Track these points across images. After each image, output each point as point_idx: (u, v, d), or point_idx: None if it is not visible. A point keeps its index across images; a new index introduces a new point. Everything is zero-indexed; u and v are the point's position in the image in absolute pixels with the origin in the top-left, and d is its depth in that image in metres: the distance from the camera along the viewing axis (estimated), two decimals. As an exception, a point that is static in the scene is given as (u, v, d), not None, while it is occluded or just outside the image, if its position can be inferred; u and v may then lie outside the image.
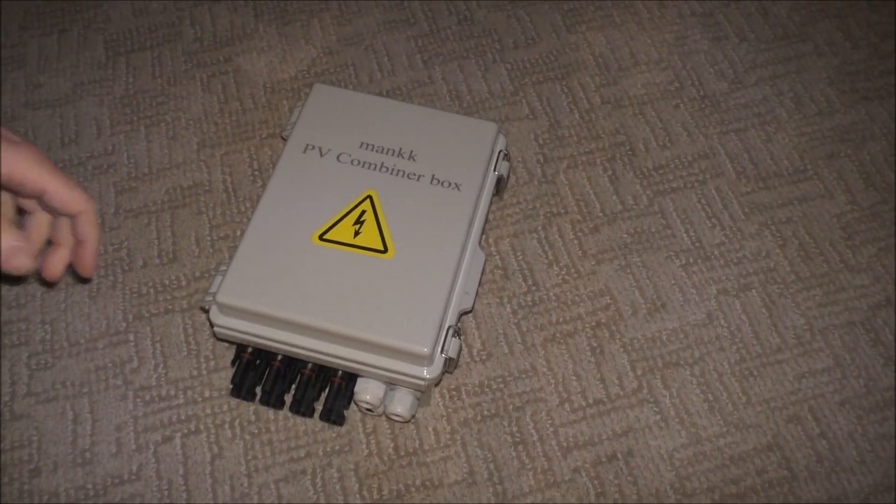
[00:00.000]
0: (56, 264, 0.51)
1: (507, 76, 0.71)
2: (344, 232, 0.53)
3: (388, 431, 0.56)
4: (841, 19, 0.76)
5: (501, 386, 0.57)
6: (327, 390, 0.54)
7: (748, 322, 0.60)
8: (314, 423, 0.56)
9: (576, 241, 0.63)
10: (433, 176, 0.56)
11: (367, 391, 0.52)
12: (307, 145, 0.57)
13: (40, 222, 0.51)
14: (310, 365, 0.54)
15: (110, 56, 0.72)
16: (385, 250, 0.53)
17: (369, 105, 0.60)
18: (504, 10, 0.76)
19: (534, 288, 0.61)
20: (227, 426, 0.55)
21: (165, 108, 0.69)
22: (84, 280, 0.58)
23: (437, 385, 0.57)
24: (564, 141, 0.68)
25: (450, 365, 0.52)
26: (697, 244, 0.63)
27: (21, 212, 0.51)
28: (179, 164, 0.66)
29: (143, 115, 0.69)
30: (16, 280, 0.60)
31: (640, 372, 0.58)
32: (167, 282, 0.61)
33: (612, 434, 0.56)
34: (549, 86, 0.71)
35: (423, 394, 0.54)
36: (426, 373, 0.50)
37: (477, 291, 0.55)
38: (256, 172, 0.66)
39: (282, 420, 0.56)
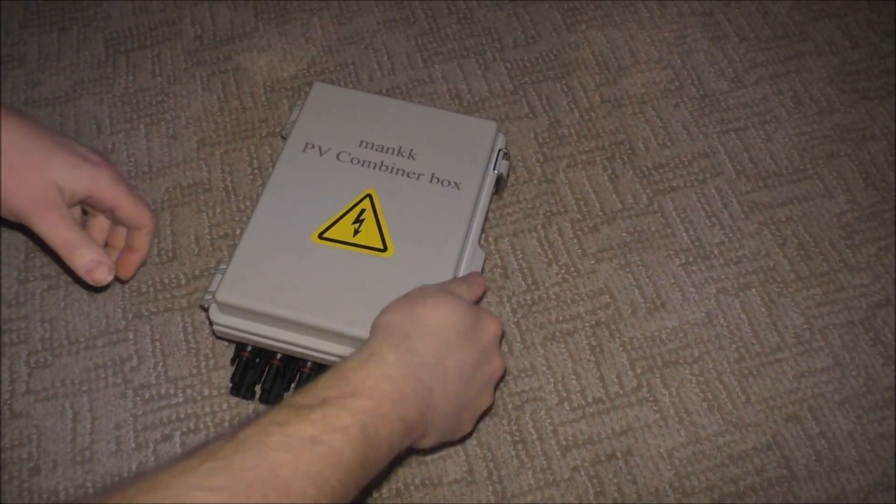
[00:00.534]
0: (129, 266, 0.58)
1: (506, 75, 0.71)
2: (343, 231, 0.53)
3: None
4: (841, 18, 0.76)
5: (501, 385, 0.57)
6: None
7: (747, 321, 0.60)
8: (313, 421, 0.55)
9: (575, 240, 0.63)
10: (433, 175, 0.56)
11: None
12: (307, 144, 0.57)
13: (101, 226, 0.58)
14: (309, 363, 0.54)
15: (110, 54, 0.72)
16: (385, 249, 0.53)
17: (369, 104, 0.60)
18: (504, 8, 0.76)
19: (533, 287, 0.61)
20: (226, 425, 0.55)
21: (165, 107, 0.69)
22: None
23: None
24: (564, 140, 0.68)
25: None
26: (697, 243, 0.63)
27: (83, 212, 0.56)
28: (179, 163, 0.66)
29: (142, 113, 0.69)
30: (97, 290, 0.60)
31: (639, 371, 0.58)
32: (167, 280, 0.61)
33: (612, 433, 0.56)
34: (549, 85, 0.71)
35: None
36: None
37: None
38: (256, 171, 0.66)
39: (281, 418, 0.56)
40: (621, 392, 0.57)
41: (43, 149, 0.50)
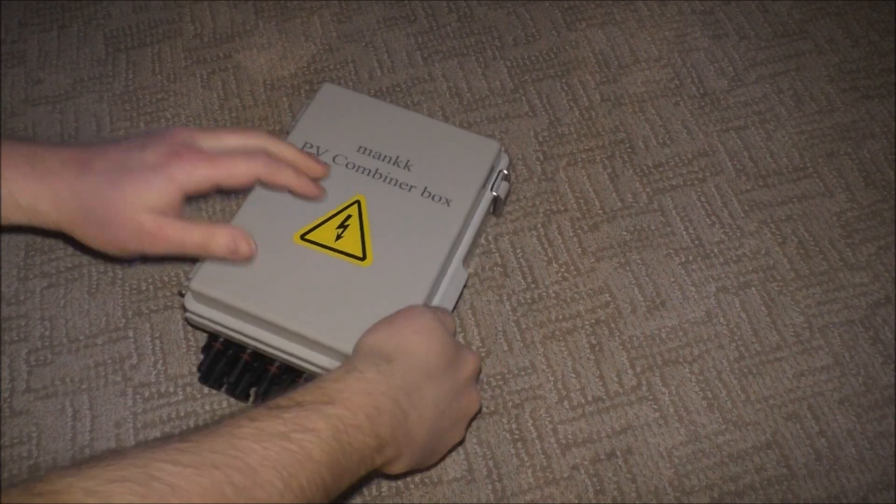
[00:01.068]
0: (306, 185, 0.52)
1: (506, 73, 0.71)
2: (326, 234, 0.53)
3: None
4: (841, 17, 0.76)
5: (500, 383, 0.57)
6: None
7: (747, 320, 0.60)
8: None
9: (575, 239, 0.63)
10: (425, 188, 0.55)
11: None
12: (306, 143, 0.57)
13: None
14: (276, 363, 0.54)
15: (110, 52, 0.72)
16: (363, 258, 0.52)
17: (374, 110, 0.59)
18: (504, 7, 0.76)
19: (533, 285, 0.61)
20: (226, 423, 0.55)
21: (165, 105, 0.69)
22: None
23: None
24: (564, 138, 0.68)
25: None
26: (697, 242, 0.63)
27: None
28: (179, 161, 0.66)
29: (142, 111, 0.69)
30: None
31: (639, 369, 0.58)
32: (166, 278, 0.61)
33: (611, 431, 0.56)
34: (549, 83, 0.71)
35: None
36: None
37: (455, 308, 0.55)
38: (256, 169, 0.66)
39: (281, 417, 0.56)
40: (621, 390, 0.57)
41: (112, 185, 0.46)
